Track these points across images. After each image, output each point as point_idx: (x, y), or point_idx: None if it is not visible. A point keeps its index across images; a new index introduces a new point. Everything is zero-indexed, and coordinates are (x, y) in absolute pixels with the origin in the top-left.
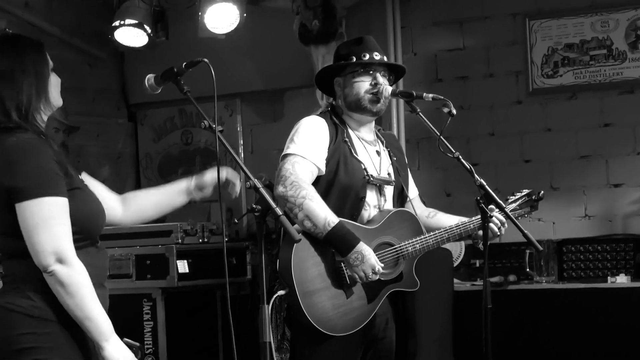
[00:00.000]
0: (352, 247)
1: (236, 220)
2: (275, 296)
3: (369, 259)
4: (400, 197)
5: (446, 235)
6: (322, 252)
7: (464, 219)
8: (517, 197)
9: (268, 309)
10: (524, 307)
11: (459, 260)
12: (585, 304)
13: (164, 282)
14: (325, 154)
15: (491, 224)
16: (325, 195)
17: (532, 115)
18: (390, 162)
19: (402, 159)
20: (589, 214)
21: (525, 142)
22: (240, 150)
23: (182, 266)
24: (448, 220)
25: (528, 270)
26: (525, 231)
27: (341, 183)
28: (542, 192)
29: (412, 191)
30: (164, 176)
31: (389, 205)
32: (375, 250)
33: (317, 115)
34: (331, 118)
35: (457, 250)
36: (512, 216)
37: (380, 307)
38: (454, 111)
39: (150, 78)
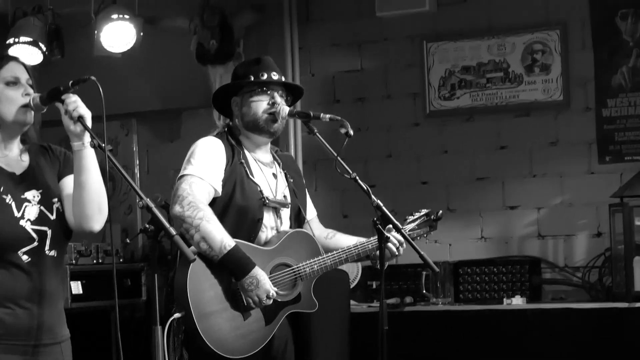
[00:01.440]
0: (246, 271)
1: (128, 241)
2: (171, 319)
3: (263, 284)
4: (298, 219)
5: (344, 255)
6: (218, 273)
7: (362, 240)
8: (415, 217)
9: (160, 330)
10: (421, 329)
11: (356, 282)
12: (481, 326)
13: None
14: (221, 176)
15: (389, 245)
16: (221, 217)
17: (429, 137)
18: (287, 184)
19: (299, 180)
20: (485, 235)
21: (422, 163)
22: (136, 170)
23: (76, 287)
24: (347, 241)
25: (424, 292)
26: (422, 252)
27: (237, 205)
28: (441, 211)
29: (310, 212)
30: None
31: (286, 227)
32: (272, 272)
33: (214, 136)
34: (227, 139)
35: (354, 271)
36: (408, 237)
37: (278, 329)
38: (351, 132)
39: (35, 97)
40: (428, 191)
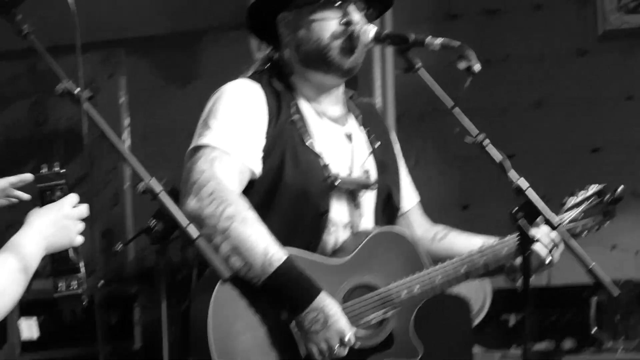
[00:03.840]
0: (307, 302)
1: (117, 249)
2: None
3: (335, 321)
4: (388, 209)
5: (463, 268)
6: (259, 305)
7: (493, 242)
8: (579, 198)
9: None
10: None
11: (483, 315)
12: None
13: None
14: (261, 145)
15: (537, 250)
16: (263, 212)
17: (604, 74)
18: (371, 150)
19: (388, 144)
20: None
21: (594, 118)
22: (126, 132)
23: (28, 328)
24: (466, 244)
25: (595, 330)
26: (591, 264)
27: (289, 191)
28: (622, 188)
29: (408, 198)
30: (5, 173)
31: (368, 222)
32: (347, 299)
33: (248, 78)
34: (270, 83)
35: (480, 297)
36: (568, 236)
37: None
38: (477, 66)
39: None
40: (602, 162)
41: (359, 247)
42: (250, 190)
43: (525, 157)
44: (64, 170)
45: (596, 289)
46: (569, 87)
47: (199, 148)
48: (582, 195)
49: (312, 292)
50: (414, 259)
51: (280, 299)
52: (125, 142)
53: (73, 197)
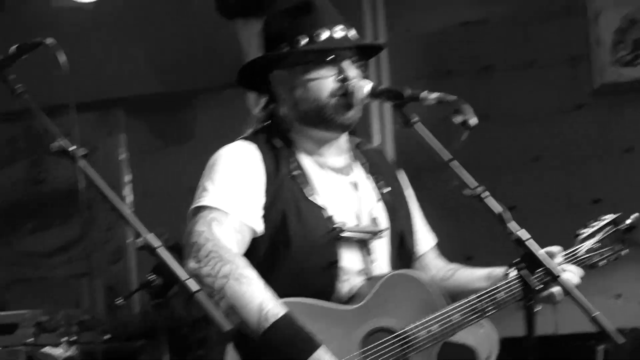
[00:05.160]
0: (305, 357)
1: (117, 302)
2: None
3: None
4: (403, 253)
5: (480, 304)
6: None
7: (498, 271)
8: (594, 228)
9: None
10: None
11: None
12: None
13: None
14: (260, 203)
15: (555, 289)
16: (271, 268)
17: (600, 128)
18: (379, 196)
19: (399, 189)
20: None
21: (592, 169)
22: (126, 189)
23: None
24: (472, 277)
25: None
26: (595, 312)
27: (295, 246)
28: (636, 215)
29: (423, 241)
30: (3, 234)
31: (382, 268)
32: (366, 342)
33: (245, 139)
34: (269, 140)
35: (486, 347)
36: (570, 285)
37: None
38: (473, 120)
39: None
40: (603, 212)
41: (373, 291)
42: (255, 248)
43: (524, 209)
44: None
45: (603, 337)
46: (566, 141)
47: (198, 210)
48: (596, 225)
49: (310, 346)
50: (429, 300)
51: (278, 354)
52: (127, 199)
53: None
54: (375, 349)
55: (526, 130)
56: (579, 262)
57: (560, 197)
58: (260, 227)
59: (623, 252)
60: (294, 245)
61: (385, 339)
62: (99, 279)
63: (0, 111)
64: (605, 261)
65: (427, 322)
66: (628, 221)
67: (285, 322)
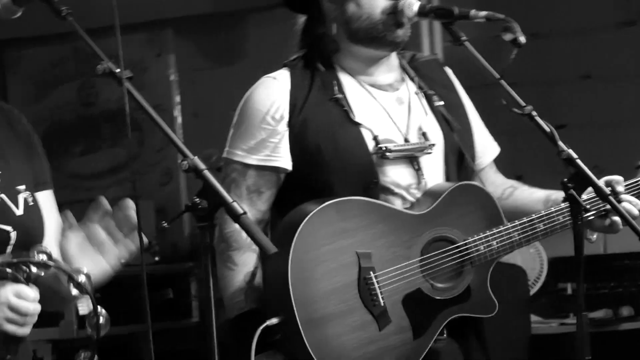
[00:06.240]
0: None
1: (165, 224)
2: (261, 328)
3: None
4: (462, 169)
5: (542, 224)
6: (339, 251)
7: (557, 195)
8: None
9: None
10: None
11: (539, 285)
12: None
13: (55, 331)
14: (284, 138)
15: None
16: (317, 196)
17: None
18: (431, 109)
19: (456, 101)
20: None
21: None
22: (176, 111)
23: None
24: (531, 199)
25: None
26: None
27: (332, 169)
28: None
29: (484, 154)
30: (53, 157)
31: (436, 183)
32: (424, 252)
33: (285, 66)
34: (310, 65)
35: (536, 267)
36: (621, 209)
37: (435, 343)
38: (523, 38)
39: None
40: None
41: (439, 200)
42: (293, 183)
43: (576, 127)
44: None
45: None
46: (617, 58)
47: (227, 163)
48: None
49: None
50: (494, 215)
51: (237, 344)
52: (177, 120)
53: (22, 290)
54: (433, 258)
55: (577, 47)
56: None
57: (610, 116)
58: (287, 164)
59: None
60: (331, 169)
61: (444, 248)
62: (148, 200)
63: (49, 33)
64: None
65: (487, 236)
66: None
67: (244, 320)
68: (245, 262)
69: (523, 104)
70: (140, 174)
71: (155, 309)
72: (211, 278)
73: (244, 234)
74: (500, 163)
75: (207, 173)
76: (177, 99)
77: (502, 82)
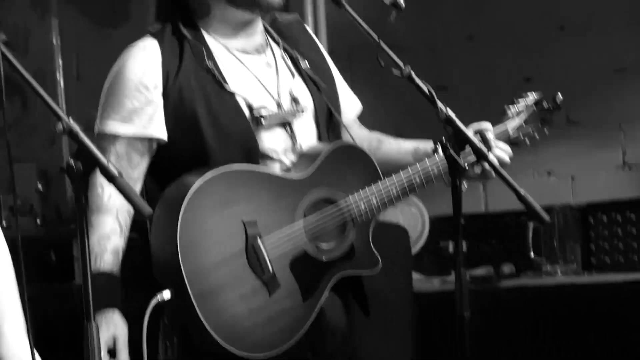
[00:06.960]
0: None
1: (40, 188)
2: (152, 303)
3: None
4: (332, 125)
5: (418, 177)
6: (225, 222)
7: (426, 145)
8: (520, 106)
9: (94, 328)
10: (527, 314)
11: (421, 243)
12: (625, 308)
13: None
14: (159, 108)
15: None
16: (187, 167)
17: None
18: (298, 72)
19: (319, 59)
20: (629, 161)
21: (526, 47)
22: (59, 75)
23: None
24: (400, 151)
25: (533, 255)
26: (522, 191)
27: (210, 139)
28: (559, 95)
29: (349, 105)
30: None
31: (310, 145)
32: (307, 214)
33: (149, 35)
34: (177, 30)
35: (417, 226)
36: (495, 163)
37: (324, 304)
38: (402, 2)
39: None
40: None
41: (319, 161)
42: (169, 154)
43: (457, 89)
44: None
45: (532, 215)
46: (506, 18)
47: (99, 136)
48: (522, 103)
49: (106, 303)
50: (372, 171)
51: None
52: (59, 84)
53: None
54: (315, 219)
55: (459, 10)
56: (507, 140)
57: (492, 75)
58: (162, 134)
59: (545, 129)
60: (211, 139)
61: (326, 209)
62: (31, 162)
63: None
64: (526, 139)
65: (366, 193)
66: (552, 102)
67: (102, 277)
68: (100, 223)
69: (402, 65)
70: (22, 135)
71: (38, 272)
72: (87, 239)
73: (105, 198)
74: (383, 123)
75: (82, 135)
76: (60, 62)
77: (382, 43)
